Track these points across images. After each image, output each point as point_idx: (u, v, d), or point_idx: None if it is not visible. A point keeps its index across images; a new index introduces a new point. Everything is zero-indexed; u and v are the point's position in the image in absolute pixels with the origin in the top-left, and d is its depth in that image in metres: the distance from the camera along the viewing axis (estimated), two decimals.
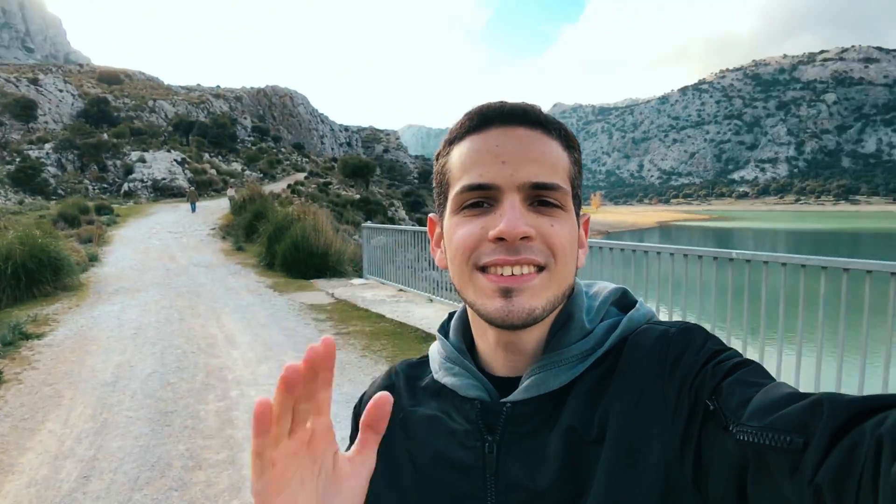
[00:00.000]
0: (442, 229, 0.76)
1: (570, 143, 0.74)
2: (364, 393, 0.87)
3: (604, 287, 0.80)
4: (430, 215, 0.82)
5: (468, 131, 0.73)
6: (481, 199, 0.70)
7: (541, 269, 0.69)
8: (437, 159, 0.78)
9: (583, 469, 0.66)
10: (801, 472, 0.50)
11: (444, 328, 0.87)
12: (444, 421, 0.77)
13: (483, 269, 0.69)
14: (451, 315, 0.87)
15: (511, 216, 0.67)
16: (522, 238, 0.67)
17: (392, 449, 0.79)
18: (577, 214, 0.74)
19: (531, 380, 0.72)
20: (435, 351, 0.85)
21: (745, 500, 0.55)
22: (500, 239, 0.67)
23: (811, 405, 0.52)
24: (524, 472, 0.70)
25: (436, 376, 0.81)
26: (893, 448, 0.44)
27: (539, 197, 0.69)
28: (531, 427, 0.71)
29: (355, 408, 0.86)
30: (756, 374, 0.61)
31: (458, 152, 0.73)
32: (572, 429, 0.68)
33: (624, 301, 0.79)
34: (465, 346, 0.81)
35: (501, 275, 0.68)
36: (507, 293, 0.68)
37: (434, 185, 0.78)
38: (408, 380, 0.86)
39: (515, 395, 0.72)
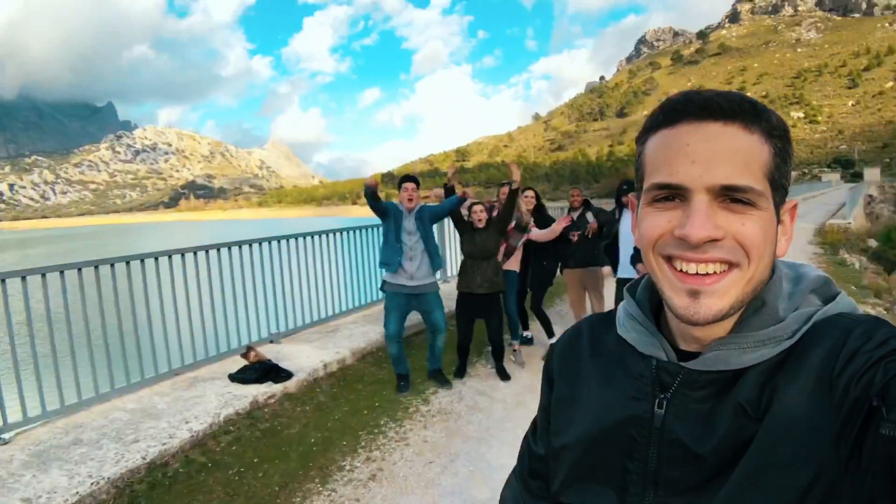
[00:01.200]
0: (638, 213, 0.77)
1: (773, 131, 0.71)
2: (552, 344, 0.99)
3: (806, 274, 0.78)
4: (631, 195, 0.84)
5: (661, 124, 0.73)
6: (670, 195, 0.71)
7: (731, 265, 0.69)
8: (637, 144, 0.79)
9: (743, 444, 0.68)
10: None
11: (633, 286, 0.89)
12: (618, 373, 0.83)
13: (669, 258, 0.72)
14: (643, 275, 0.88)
15: (696, 220, 0.68)
16: (710, 241, 0.68)
17: (572, 387, 0.89)
18: (779, 205, 0.73)
19: (713, 354, 0.73)
20: (622, 307, 0.89)
21: None
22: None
23: None
24: (688, 434, 0.73)
25: (619, 331, 0.86)
26: None
27: (729, 196, 0.68)
28: (703, 395, 0.74)
29: (545, 361, 0.97)
30: None
31: (652, 146, 0.74)
32: (741, 406, 0.70)
33: (826, 291, 0.76)
34: (652, 307, 0.84)
35: (688, 273, 0.70)
36: (694, 294, 0.70)
37: (635, 168, 0.79)
38: (593, 331, 0.92)
39: (694, 364, 0.75)
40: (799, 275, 0.78)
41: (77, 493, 3.46)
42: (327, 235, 7.45)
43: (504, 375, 5.89)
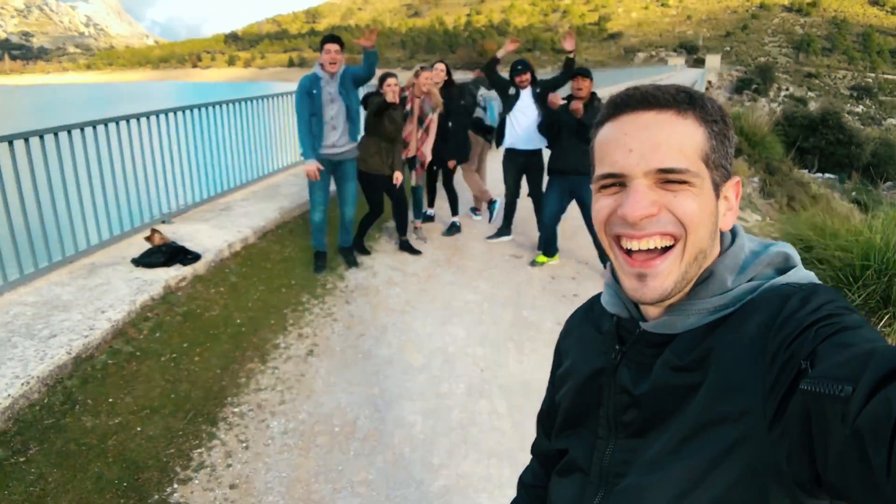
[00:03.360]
0: None
1: (708, 116, 0.78)
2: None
3: (768, 249, 0.82)
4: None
5: (606, 118, 0.82)
6: (614, 182, 0.79)
7: (675, 240, 0.77)
8: (590, 137, 0.87)
9: (671, 390, 0.77)
10: (846, 419, 0.53)
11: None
12: (594, 331, 0.97)
13: (617, 237, 0.80)
14: None
15: (632, 200, 0.75)
16: (646, 218, 0.76)
17: (567, 350, 1.05)
18: (719, 183, 0.79)
19: (663, 319, 0.81)
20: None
21: (812, 454, 0.59)
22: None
23: (865, 354, 0.56)
24: (629, 380, 0.84)
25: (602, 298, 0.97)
26: None
27: (665, 178, 0.75)
28: (652, 352, 0.83)
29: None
30: (861, 336, 0.62)
31: (598, 139, 0.83)
32: (667, 358, 0.79)
33: (783, 265, 0.81)
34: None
35: (633, 252, 0.78)
36: (641, 276, 0.78)
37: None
38: (593, 302, 1.04)
39: (647, 326, 0.84)
40: (761, 250, 0.82)
41: (9, 395, 3.26)
42: (207, 108, 6.97)
43: (412, 250, 6.06)
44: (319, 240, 5.54)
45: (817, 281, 0.78)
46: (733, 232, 0.84)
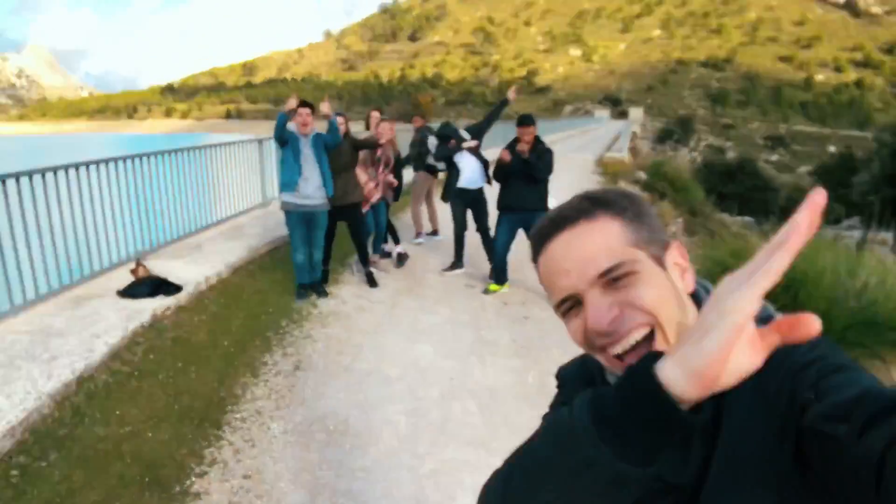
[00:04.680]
0: None
1: (615, 207, 0.80)
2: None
3: None
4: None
5: (537, 253, 0.84)
6: (572, 304, 0.80)
7: (651, 326, 0.76)
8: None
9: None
10: (841, 458, 0.56)
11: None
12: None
13: (602, 348, 0.79)
14: None
15: (591, 313, 0.76)
16: (612, 322, 0.75)
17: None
18: (660, 256, 0.80)
19: None
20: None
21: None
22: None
23: (859, 395, 0.58)
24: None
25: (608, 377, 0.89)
26: None
27: (610, 278, 0.76)
28: None
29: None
30: (854, 378, 0.65)
31: (541, 274, 0.84)
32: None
33: (763, 312, 0.78)
34: None
35: (621, 356, 0.77)
36: None
37: None
38: (584, 359, 0.96)
39: None
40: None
41: (24, 408, 3.56)
42: (177, 154, 7.40)
43: (373, 282, 6.56)
44: (303, 276, 6.01)
45: (773, 311, 0.79)
46: (705, 287, 0.86)
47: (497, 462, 0.77)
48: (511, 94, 7.05)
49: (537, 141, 6.15)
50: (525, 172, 5.92)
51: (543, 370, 4.63)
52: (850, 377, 0.66)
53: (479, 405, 4.18)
